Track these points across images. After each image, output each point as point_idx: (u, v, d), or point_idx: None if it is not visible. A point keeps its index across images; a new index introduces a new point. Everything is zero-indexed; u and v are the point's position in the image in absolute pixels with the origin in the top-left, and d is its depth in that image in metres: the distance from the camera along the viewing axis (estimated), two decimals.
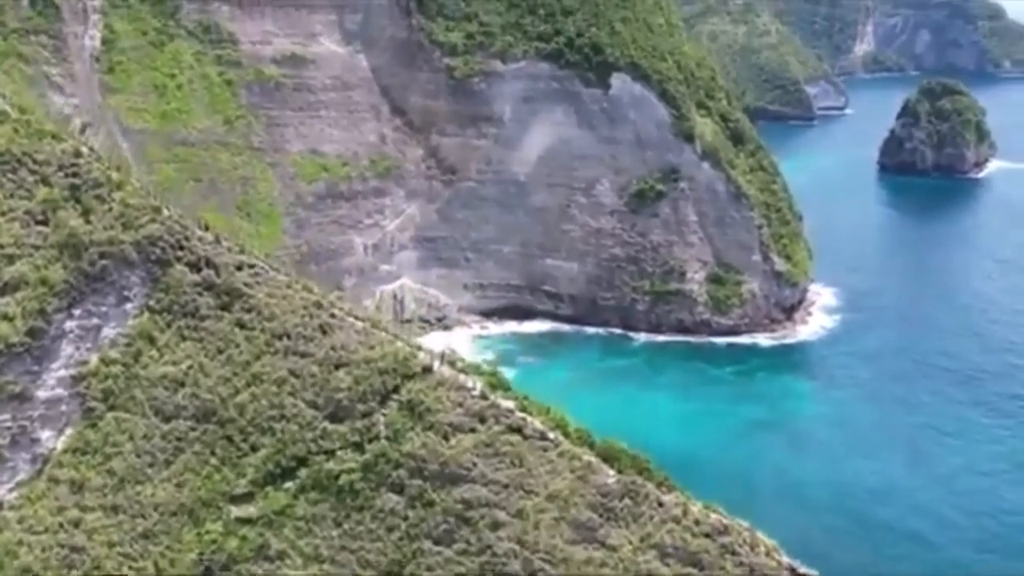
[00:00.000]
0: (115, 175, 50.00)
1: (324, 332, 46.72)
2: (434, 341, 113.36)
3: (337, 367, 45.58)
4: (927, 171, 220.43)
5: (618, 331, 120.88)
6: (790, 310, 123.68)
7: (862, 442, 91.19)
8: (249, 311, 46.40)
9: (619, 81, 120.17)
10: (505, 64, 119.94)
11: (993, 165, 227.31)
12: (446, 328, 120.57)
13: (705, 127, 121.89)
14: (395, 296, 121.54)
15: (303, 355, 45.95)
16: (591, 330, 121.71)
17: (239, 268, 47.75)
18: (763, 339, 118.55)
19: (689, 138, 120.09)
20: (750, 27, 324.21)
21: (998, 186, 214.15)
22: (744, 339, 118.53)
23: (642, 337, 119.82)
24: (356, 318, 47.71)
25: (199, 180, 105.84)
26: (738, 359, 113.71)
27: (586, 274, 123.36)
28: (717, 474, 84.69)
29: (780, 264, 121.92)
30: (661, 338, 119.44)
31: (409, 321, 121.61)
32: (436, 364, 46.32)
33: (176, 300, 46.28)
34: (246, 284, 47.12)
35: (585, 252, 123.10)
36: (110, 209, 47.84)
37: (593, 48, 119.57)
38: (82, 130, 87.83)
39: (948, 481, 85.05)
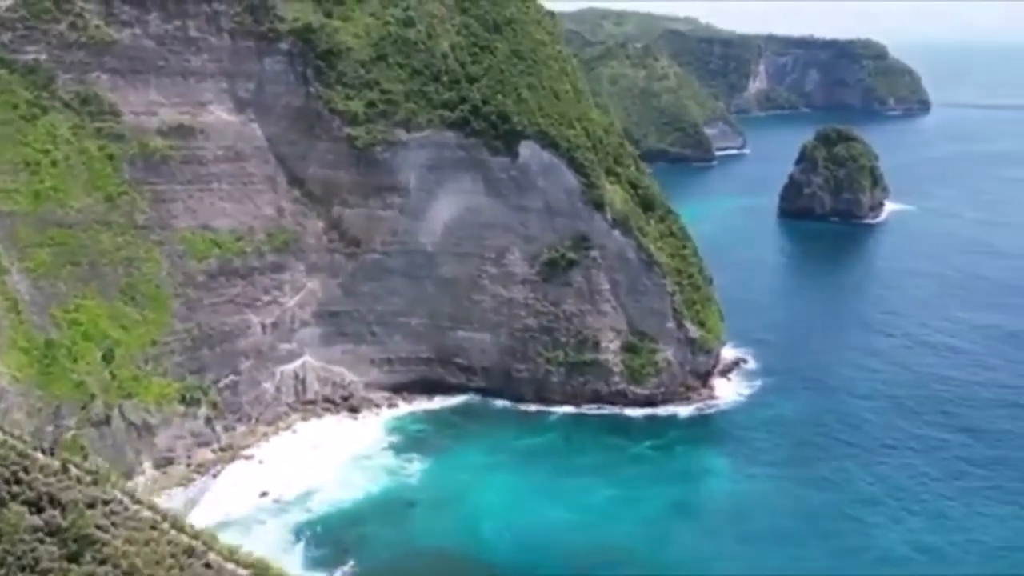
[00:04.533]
0: None
1: None
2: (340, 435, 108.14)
3: None
4: (826, 216, 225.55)
5: (533, 405, 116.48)
6: (705, 376, 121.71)
7: (781, 528, 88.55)
8: (103, 562, 35.50)
9: (527, 149, 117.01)
10: (409, 133, 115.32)
11: (887, 208, 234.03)
12: (352, 410, 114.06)
13: (615, 194, 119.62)
14: (296, 376, 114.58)
15: None
16: (506, 404, 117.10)
17: (91, 506, 37.14)
18: (681, 409, 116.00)
19: (599, 206, 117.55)
20: (649, 71, 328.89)
21: (894, 229, 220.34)
22: (662, 410, 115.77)
23: (558, 410, 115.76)
24: (238, 563, 38.94)
25: (77, 264, 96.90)
26: (656, 433, 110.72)
27: (499, 346, 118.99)
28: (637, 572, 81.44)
29: (694, 331, 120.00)
30: (578, 411, 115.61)
31: (313, 402, 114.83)
32: None
33: (11, 550, 34.81)
34: (100, 527, 36.47)
35: (497, 323, 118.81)
36: None
37: (500, 116, 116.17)
38: None
39: (867, 567, 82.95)
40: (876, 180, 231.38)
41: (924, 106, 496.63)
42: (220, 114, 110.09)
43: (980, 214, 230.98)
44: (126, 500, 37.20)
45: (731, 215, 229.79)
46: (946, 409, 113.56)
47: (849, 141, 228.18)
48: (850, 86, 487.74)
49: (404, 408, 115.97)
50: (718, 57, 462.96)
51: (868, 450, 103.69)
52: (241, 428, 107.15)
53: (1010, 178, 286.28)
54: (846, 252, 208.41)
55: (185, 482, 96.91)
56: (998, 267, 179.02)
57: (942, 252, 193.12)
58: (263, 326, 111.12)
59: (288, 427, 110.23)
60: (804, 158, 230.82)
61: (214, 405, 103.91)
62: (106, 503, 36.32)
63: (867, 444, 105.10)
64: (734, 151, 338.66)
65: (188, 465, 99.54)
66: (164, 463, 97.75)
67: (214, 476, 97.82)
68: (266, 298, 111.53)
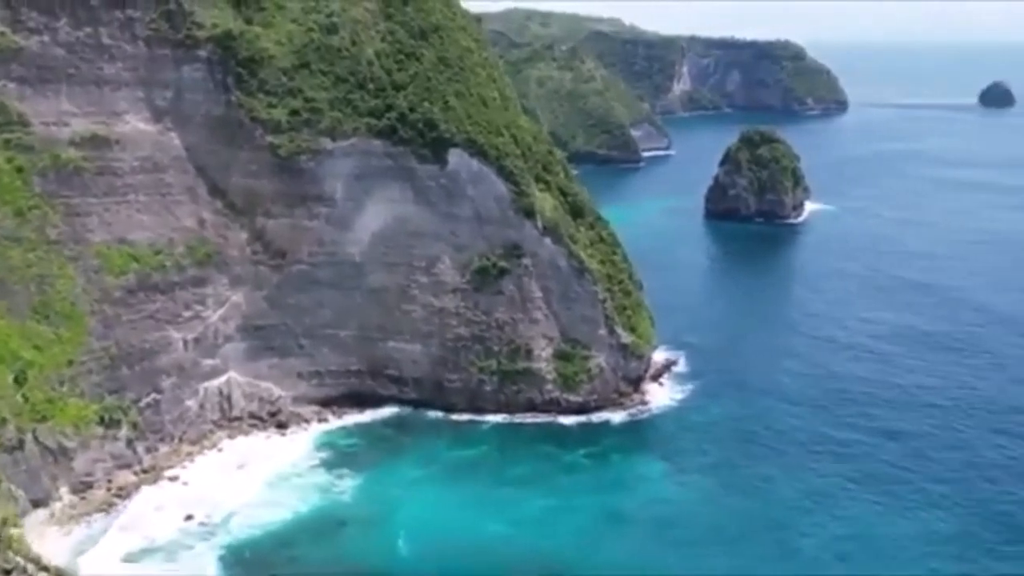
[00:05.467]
0: None
1: None
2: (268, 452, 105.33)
3: None
4: (750, 217, 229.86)
5: (466, 415, 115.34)
6: (637, 382, 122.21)
7: (719, 534, 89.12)
8: None
9: (456, 157, 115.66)
10: (334, 141, 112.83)
11: (808, 208, 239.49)
12: (280, 426, 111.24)
13: (545, 202, 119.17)
14: (221, 392, 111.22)
15: None
16: (438, 414, 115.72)
17: None
18: (614, 415, 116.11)
19: (530, 214, 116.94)
20: (576, 73, 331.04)
21: (815, 230, 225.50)
22: (595, 417, 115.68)
23: (491, 420, 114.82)
24: None
25: None
26: (591, 440, 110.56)
27: (430, 356, 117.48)
28: None
29: (625, 336, 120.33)
30: (511, 420, 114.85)
31: (239, 419, 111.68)
32: None
33: None
34: None
35: (428, 333, 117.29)
36: None
37: (427, 124, 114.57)
38: None
39: (808, 566, 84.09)
40: (798, 181, 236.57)
41: (841, 106, 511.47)
42: (136, 124, 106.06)
43: (898, 213, 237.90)
44: (30, 568, 35.18)
45: (659, 217, 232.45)
46: (867, 412, 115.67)
47: (772, 143, 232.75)
48: (770, 86, 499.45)
49: (334, 422, 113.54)
50: (643, 58, 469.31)
51: (795, 455, 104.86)
52: (164, 448, 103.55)
53: (927, 177, 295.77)
54: (770, 253, 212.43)
55: (105, 507, 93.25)
56: (916, 267, 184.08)
57: (861, 252, 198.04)
58: (185, 342, 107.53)
59: (213, 445, 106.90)
60: (728, 160, 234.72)
61: (135, 425, 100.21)
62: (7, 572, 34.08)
63: (793, 450, 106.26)
64: (660, 152, 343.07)
65: (108, 489, 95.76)
66: (82, 488, 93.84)
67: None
68: (187, 313, 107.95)
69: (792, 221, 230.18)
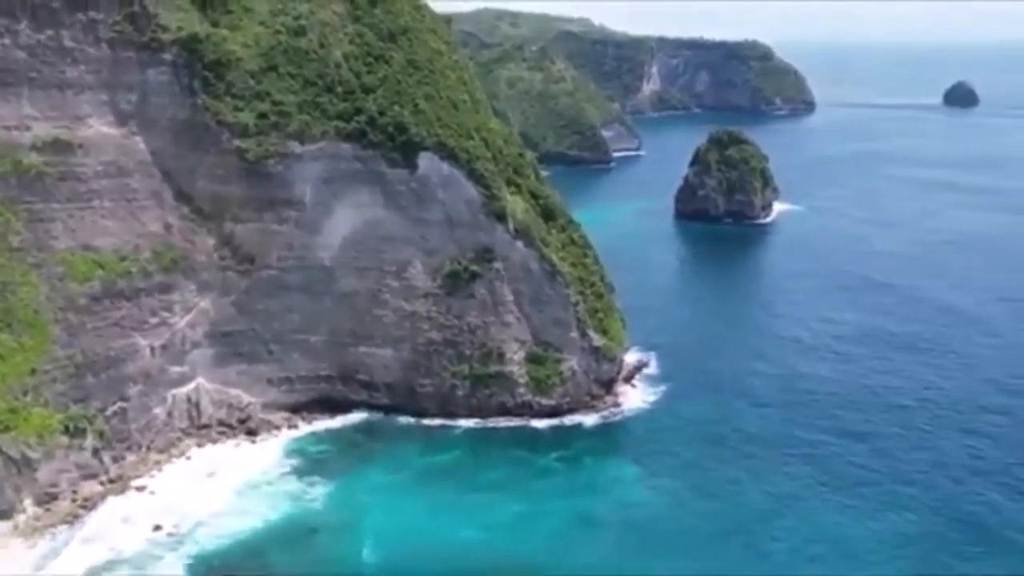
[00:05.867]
0: None
1: None
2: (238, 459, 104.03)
3: None
4: (720, 217, 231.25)
5: (438, 420, 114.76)
6: (609, 384, 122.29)
7: (691, 538, 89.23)
8: None
9: (426, 160, 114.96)
10: (303, 145, 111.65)
11: (776, 208, 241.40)
12: (250, 433, 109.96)
13: (516, 205, 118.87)
14: (189, 400, 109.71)
15: None
16: (410, 420, 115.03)
17: None
18: (586, 418, 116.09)
19: (501, 217, 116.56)
20: (546, 73, 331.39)
21: (783, 230, 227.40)
22: (568, 420, 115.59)
23: (463, 424, 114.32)
24: None
25: None
26: (563, 444, 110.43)
27: (402, 361, 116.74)
28: None
29: (597, 339, 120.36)
30: (483, 424, 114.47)
31: (207, 426, 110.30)
32: None
33: None
34: None
35: (400, 338, 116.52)
36: None
37: (397, 127, 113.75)
38: None
39: (779, 568, 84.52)
40: (767, 181, 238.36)
41: (809, 106, 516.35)
42: (100, 128, 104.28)
43: (866, 213, 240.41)
44: None
45: (630, 217, 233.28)
46: (835, 413, 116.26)
47: (740, 144, 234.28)
48: (738, 87, 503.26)
49: (305, 428, 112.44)
50: (612, 59, 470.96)
51: (765, 457, 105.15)
52: (131, 457, 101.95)
53: (894, 177, 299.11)
54: (740, 254, 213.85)
55: (71, 519, 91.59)
56: (883, 268, 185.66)
57: (829, 252, 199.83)
58: (152, 349, 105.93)
59: (182, 454, 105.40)
60: (698, 161, 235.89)
61: (101, 434, 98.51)
62: None
63: (763, 452, 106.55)
64: (630, 153, 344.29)
65: (74, 500, 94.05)
66: (47, 499, 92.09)
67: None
68: (154, 320, 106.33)
69: (761, 221, 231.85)
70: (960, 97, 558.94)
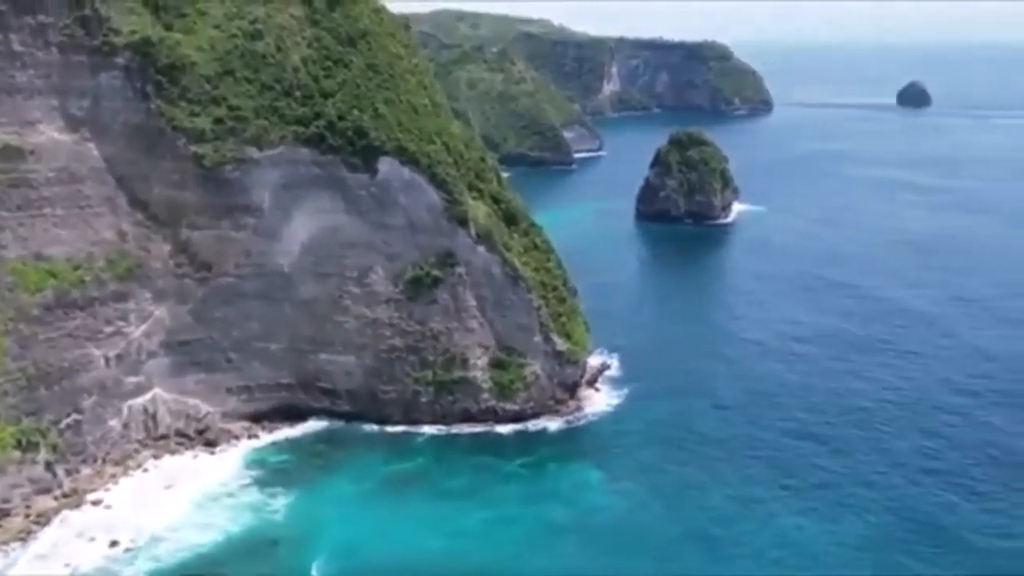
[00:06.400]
0: None
1: None
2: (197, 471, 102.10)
3: None
4: (680, 218, 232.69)
5: (401, 427, 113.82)
6: (573, 388, 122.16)
7: (654, 543, 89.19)
8: None
9: (386, 165, 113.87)
10: (261, 150, 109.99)
11: (736, 208, 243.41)
12: (209, 443, 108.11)
13: (478, 209, 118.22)
14: (146, 411, 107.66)
15: None
16: (372, 427, 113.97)
17: None
18: (551, 423, 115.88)
19: (463, 222, 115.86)
20: (506, 74, 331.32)
21: (743, 230, 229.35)
22: (532, 425, 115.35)
23: (427, 431, 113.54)
24: None
25: None
26: (527, 449, 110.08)
27: (364, 367, 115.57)
28: None
29: (560, 343, 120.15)
30: (447, 431, 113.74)
31: (165, 437, 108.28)
32: None
33: None
34: None
35: (361, 344, 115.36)
36: None
37: (356, 132, 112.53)
38: None
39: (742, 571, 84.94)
40: (726, 182, 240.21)
41: (767, 106, 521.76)
42: (51, 133, 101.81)
43: (823, 214, 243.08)
44: None
45: (592, 219, 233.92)
46: (796, 415, 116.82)
47: (700, 145, 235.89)
48: (698, 87, 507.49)
49: (265, 438, 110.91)
50: (572, 59, 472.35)
51: (727, 461, 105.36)
52: (86, 471, 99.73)
53: (851, 176, 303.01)
54: (700, 254, 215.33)
55: (24, 535, 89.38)
56: (840, 268, 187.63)
57: (788, 253, 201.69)
58: (107, 359, 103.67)
59: (139, 466, 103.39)
60: (658, 162, 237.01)
61: (55, 448, 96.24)
62: None
63: (725, 455, 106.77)
64: (591, 154, 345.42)
65: (27, 516, 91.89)
66: None
67: None
68: (109, 329, 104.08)
69: (721, 222, 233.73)
70: (913, 97, 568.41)
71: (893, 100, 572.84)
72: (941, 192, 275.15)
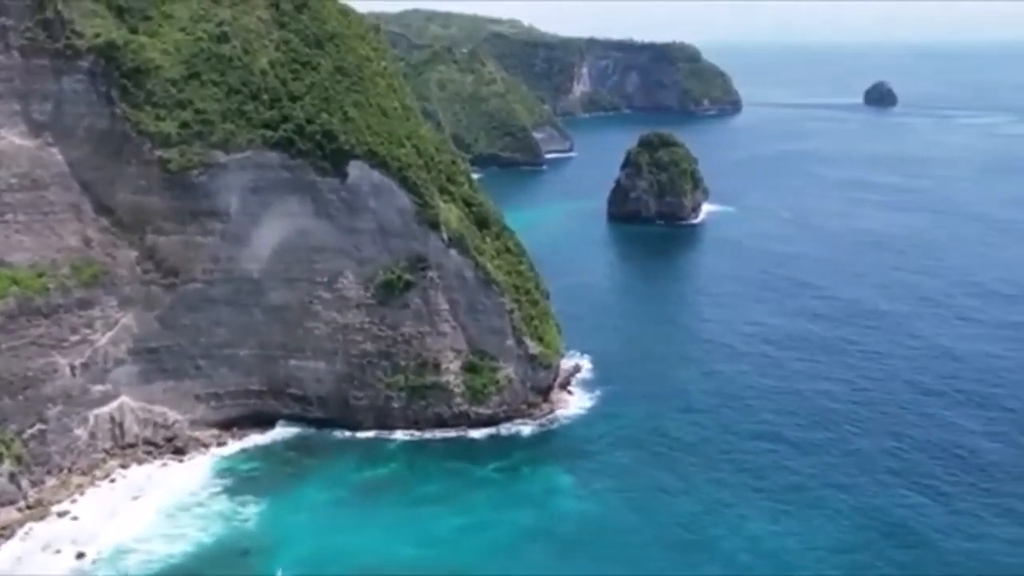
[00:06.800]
0: None
1: None
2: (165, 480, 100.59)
3: None
4: (651, 219, 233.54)
5: (373, 433, 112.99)
6: (546, 391, 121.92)
7: (626, 549, 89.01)
8: None
9: (356, 169, 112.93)
10: (228, 154, 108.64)
11: (706, 209, 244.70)
12: (178, 451, 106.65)
13: (450, 213, 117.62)
14: (113, 419, 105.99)
15: None
16: (344, 434, 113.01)
17: None
18: (524, 427, 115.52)
19: (434, 225, 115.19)
20: (477, 75, 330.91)
21: (713, 230, 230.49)
22: (505, 429, 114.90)
23: (399, 437, 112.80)
24: None
25: None
26: (500, 454, 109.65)
27: (335, 373, 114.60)
28: None
29: (533, 347, 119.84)
30: (419, 436, 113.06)
31: (133, 446, 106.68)
32: None
33: None
34: None
35: (332, 350, 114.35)
36: None
37: (325, 135, 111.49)
38: None
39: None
40: (696, 183, 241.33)
41: (736, 106, 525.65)
42: (12, 139, 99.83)
43: (791, 214, 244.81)
44: None
45: (563, 220, 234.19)
46: (766, 419, 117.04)
47: (670, 146, 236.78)
48: (667, 88, 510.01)
49: (235, 445, 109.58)
50: (543, 60, 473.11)
51: (699, 465, 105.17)
52: (51, 482, 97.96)
53: (819, 176, 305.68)
54: (671, 255, 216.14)
55: None
56: (810, 270, 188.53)
57: (757, 254, 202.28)
58: (72, 368, 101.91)
59: (106, 476, 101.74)
60: (629, 163, 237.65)
61: (18, 459, 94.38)
62: None
63: (696, 459, 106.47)
64: (562, 155, 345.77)
65: None
66: None
67: None
68: (74, 337, 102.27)
69: (691, 223, 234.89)
70: (879, 97, 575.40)
71: (860, 100, 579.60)
72: (907, 192, 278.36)
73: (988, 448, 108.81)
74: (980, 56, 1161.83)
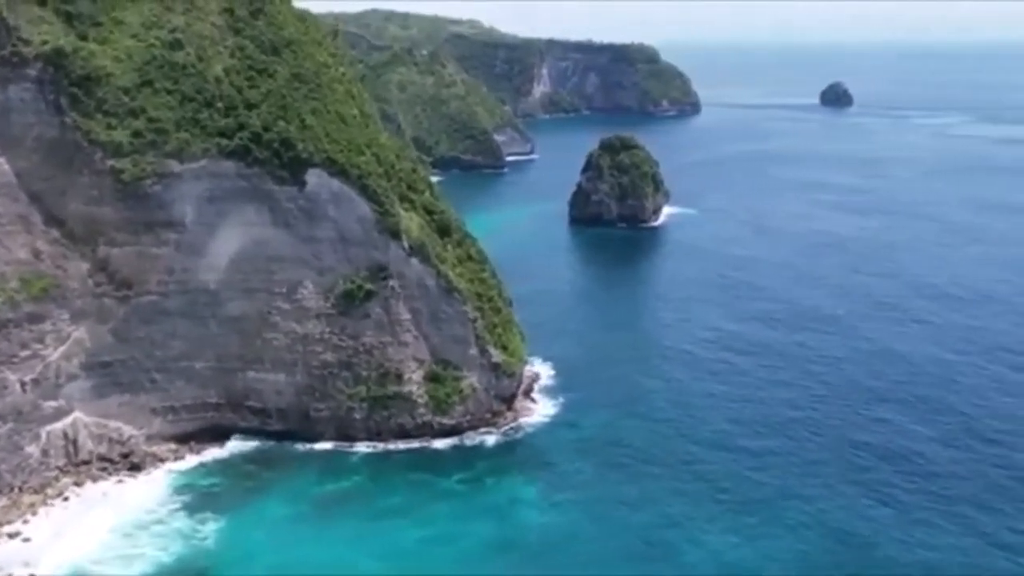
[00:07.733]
0: None
1: None
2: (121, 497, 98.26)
3: None
4: (613, 221, 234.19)
5: (334, 444, 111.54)
6: (510, 399, 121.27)
7: (588, 564, 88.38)
8: None
9: (315, 177, 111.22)
10: (183, 163, 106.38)
11: (666, 211, 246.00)
12: (134, 467, 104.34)
13: (411, 221, 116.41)
14: (66, 436, 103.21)
15: None
16: (305, 446, 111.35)
17: None
18: (487, 437, 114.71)
19: (395, 234, 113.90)
20: (437, 77, 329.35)
21: (674, 233, 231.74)
22: (469, 439, 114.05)
23: (362, 448, 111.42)
24: None
25: None
26: (465, 464, 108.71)
27: (295, 385, 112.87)
28: None
29: (497, 355, 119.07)
30: (382, 447, 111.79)
31: (87, 463, 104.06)
32: None
33: None
34: None
35: (292, 361, 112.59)
36: None
37: (283, 143, 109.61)
38: None
39: None
40: (657, 185, 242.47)
41: (695, 107, 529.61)
42: None
43: (751, 216, 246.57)
44: None
45: (525, 223, 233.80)
46: (725, 428, 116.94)
47: (631, 149, 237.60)
48: (627, 89, 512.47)
49: (193, 460, 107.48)
50: (503, 61, 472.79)
51: (659, 476, 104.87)
52: (2, 501, 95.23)
53: (777, 178, 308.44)
54: (632, 259, 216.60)
55: None
56: (769, 274, 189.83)
57: (717, 257, 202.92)
58: (23, 384, 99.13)
59: (59, 494, 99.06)
60: (590, 166, 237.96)
61: None
62: None
63: (659, 470, 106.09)
64: (523, 157, 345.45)
65: None
66: None
67: None
68: (24, 352, 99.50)
69: (652, 225, 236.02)
70: (835, 97, 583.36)
71: (816, 100, 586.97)
72: (862, 193, 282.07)
73: (943, 455, 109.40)
74: (980, 56, 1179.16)
